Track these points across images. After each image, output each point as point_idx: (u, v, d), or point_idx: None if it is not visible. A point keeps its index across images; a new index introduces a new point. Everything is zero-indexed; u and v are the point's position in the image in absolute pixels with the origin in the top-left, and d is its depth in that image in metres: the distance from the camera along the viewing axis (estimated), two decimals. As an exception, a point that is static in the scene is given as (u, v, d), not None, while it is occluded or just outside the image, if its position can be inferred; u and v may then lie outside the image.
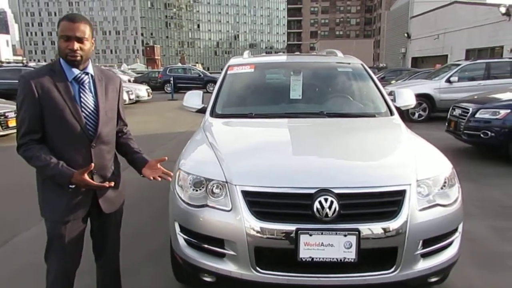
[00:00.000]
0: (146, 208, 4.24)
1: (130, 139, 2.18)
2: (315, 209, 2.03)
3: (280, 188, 2.13)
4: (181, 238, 2.35)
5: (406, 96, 3.56)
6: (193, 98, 3.72)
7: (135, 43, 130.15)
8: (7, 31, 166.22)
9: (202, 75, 25.40)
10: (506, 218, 4.06)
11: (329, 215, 2.03)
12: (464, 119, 6.39)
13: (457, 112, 6.73)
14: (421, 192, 2.20)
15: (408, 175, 2.20)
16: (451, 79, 10.80)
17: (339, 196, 2.05)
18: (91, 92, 1.88)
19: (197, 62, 78.53)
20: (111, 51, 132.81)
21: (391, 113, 3.32)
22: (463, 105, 6.68)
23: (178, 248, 2.37)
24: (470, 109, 6.33)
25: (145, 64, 52.84)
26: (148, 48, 51.53)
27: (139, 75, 30.85)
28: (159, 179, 2.05)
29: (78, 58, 1.79)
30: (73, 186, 1.80)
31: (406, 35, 35.21)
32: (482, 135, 6.06)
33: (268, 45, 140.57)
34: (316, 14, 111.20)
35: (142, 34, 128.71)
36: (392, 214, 2.09)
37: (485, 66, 11.05)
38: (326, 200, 2.03)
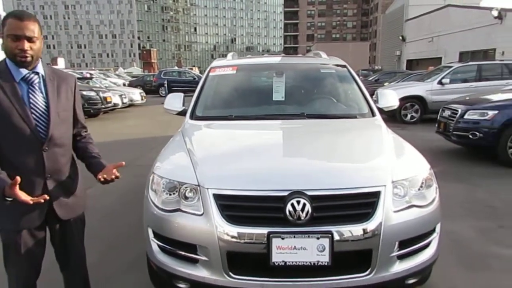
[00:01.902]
0: (129, 214, 4.20)
1: (90, 143, 2.10)
2: (287, 212, 2.00)
3: (252, 191, 2.09)
4: (154, 244, 2.31)
5: (389, 97, 3.54)
6: (174, 101, 3.68)
7: (131, 46, 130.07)
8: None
9: (197, 78, 25.39)
10: (492, 218, 4.04)
11: (301, 218, 1.99)
12: (454, 120, 6.39)
13: (447, 113, 6.73)
14: (398, 193, 2.17)
15: (383, 176, 2.17)
16: (443, 81, 10.82)
17: (312, 199, 2.02)
18: (41, 92, 1.80)
19: (194, 66, 78.59)
20: (108, 55, 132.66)
21: (373, 114, 3.29)
22: (452, 107, 6.68)
23: (152, 255, 2.33)
24: (459, 110, 6.33)
25: (141, 68, 52.74)
26: (144, 52, 51.45)
27: (134, 78, 30.81)
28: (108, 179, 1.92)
29: (29, 58, 1.72)
30: (11, 199, 1.63)
31: (401, 38, 35.32)
32: (470, 136, 6.06)
33: (265, 48, 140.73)
34: (313, 17, 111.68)
35: (138, 38, 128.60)
36: (366, 216, 2.06)
37: (477, 68, 11.08)
38: (298, 202, 2.00)
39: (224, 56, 4.28)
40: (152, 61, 46.58)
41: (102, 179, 1.88)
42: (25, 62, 1.73)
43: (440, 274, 2.75)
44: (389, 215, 2.07)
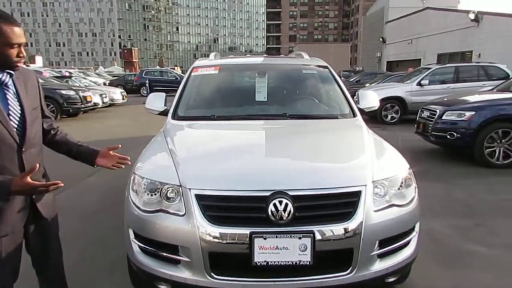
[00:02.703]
0: (110, 214, 4.14)
1: (67, 134, 2.07)
2: (269, 212, 2.00)
3: (234, 191, 2.09)
4: (135, 245, 2.28)
5: (370, 98, 3.59)
6: (155, 100, 3.64)
7: (112, 45, 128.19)
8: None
9: (179, 78, 25.20)
10: (469, 217, 4.14)
11: (284, 218, 2.00)
12: (432, 121, 6.52)
13: (426, 114, 6.87)
14: (378, 192, 2.20)
15: (363, 176, 2.20)
16: (422, 82, 11.04)
17: (294, 199, 2.03)
18: (15, 93, 1.74)
19: (176, 65, 77.85)
20: (88, 53, 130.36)
21: (354, 115, 3.33)
22: (431, 107, 6.82)
23: (133, 256, 2.29)
24: (438, 111, 6.46)
25: (122, 67, 51.99)
26: (125, 51, 50.66)
27: (115, 78, 30.36)
28: (119, 167, 2.01)
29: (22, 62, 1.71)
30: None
31: (381, 39, 35.89)
32: (448, 136, 6.19)
33: (248, 48, 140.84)
34: (295, 18, 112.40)
35: (119, 37, 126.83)
36: (348, 216, 2.08)
37: (454, 70, 11.35)
38: (280, 202, 2.00)
39: (207, 56, 4.26)
40: (134, 60, 45.96)
41: (110, 167, 1.95)
42: (18, 67, 1.70)
43: (419, 272, 2.79)
44: (369, 215, 2.10)
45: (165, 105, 3.61)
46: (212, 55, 4.22)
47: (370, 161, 2.35)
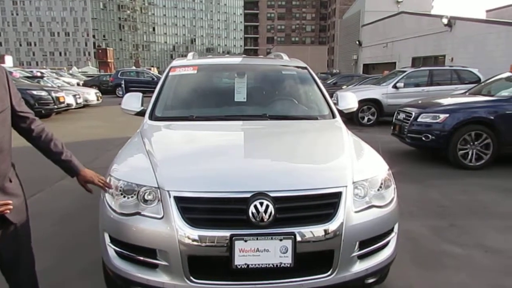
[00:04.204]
0: (83, 218, 4.00)
1: (50, 141, 1.90)
2: (250, 214, 1.97)
3: (214, 193, 2.05)
4: (111, 250, 2.20)
5: (349, 99, 3.60)
6: (131, 101, 3.54)
7: (86, 45, 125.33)
8: None
9: (155, 79, 24.87)
10: (444, 217, 4.23)
11: (264, 220, 1.97)
12: (408, 122, 6.64)
13: (402, 116, 6.99)
14: (358, 193, 2.20)
15: (344, 177, 2.19)
16: (397, 85, 11.27)
17: (275, 200, 2.00)
18: None
19: (152, 66, 76.77)
20: (60, 53, 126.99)
21: (333, 116, 3.34)
22: (407, 110, 6.94)
23: (108, 260, 2.22)
24: (413, 113, 6.59)
25: (97, 68, 50.90)
26: (100, 51, 49.60)
27: (89, 78, 29.70)
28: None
29: None
30: None
31: (357, 42, 36.47)
32: (423, 138, 6.32)
33: (226, 49, 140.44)
34: (273, 20, 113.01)
35: (93, 36, 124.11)
36: (328, 217, 2.07)
37: (429, 73, 11.65)
38: (261, 204, 1.97)
39: (184, 56, 4.19)
40: (108, 60, 45.06)
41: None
42: None
43: (396, 272, 2.81)
44: (350, 216, 2.10)
45: (141, 105, 3.53)
46: (190, 54, 4.16)
47: (350, 162, 2.35)
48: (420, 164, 6.76)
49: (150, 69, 34.90)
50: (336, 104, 3.57)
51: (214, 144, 2.83)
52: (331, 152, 2.66)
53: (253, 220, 1.97)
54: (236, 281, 2.03)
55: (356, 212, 2.14)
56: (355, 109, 3.65)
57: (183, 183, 2.12)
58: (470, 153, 6.14)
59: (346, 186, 2.14)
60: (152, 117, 3.24)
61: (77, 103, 14.72)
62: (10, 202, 1.60)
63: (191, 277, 2.01)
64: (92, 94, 17.30)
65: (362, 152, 2.66)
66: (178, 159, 2.46)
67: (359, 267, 2.17)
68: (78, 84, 23.70)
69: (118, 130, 10.52)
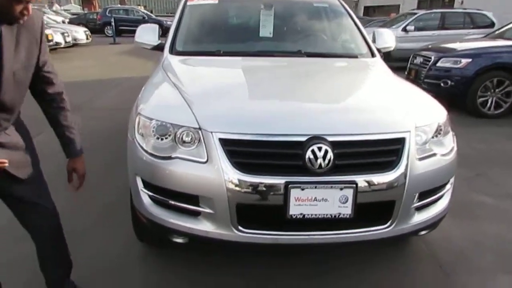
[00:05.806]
0: (88, 160, 3.76)
1: (60, 113, 1.71)
2: (307, 160, 1.75)
3: (266, 136, 1.80)
4: (145, 195, 1.99)
5: (387, 37, 3.28)
6: (147, 33, 3.16)
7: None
8: None
9: (146, 18, 23.66)
10: (469, 167, 4.07)
11: (322, 166, 1.75)
12: (425, 67, 6.32)
13: (418, 60, 6.64)
14: (418, 140, 1.97)
15: (407, 121, 1.96)
16: (407, 28, 10.71)
17: (333, 145, 1.77)
18: None
19: (139, 4, 72.84)
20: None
21: (373, 55, 3.03)
22: (424, 54, 6.58)
23: (142, 207, 2.01)
24: (432, 57, 6.24)
25: (80, 6, 48.13)
26: (83, -12, 46.65)
27: (75, 16, 28.12)
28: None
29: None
30: None
31: (358, -17, 34.79)
32: (442, 84, 6.03)
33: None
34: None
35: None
36: (391, 165, 1.86)
37: (440, 16, 11.06)
38: (320, 149, 1.74)
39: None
40: (92, -2, 42.50)
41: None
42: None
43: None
44: (413, 164, 1.89)
45: (158, 39, 3.16)
46: None
47: (410, 106, 2.11)
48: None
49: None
50: (373, 41, 3.24)
51: (255, 81, 2.53)
52: (386, 94, 2.37)
53: (310, 166, 1.75)
54: (289, 231, 1.86)
55: (419, 160, 1.93)
56: (392, 48, 3.33)
57: (228, 124, 1.86)
58: (489, 100, 5.90)
59: (409, 131, 1.91)
60: (173, 51, 2.91)
61: (66, 42, 14.00)
62: (6, 161, 1.41)
63: (239, 227, 1.82)
64: (81, 33, 16.40)
65: (417, 95, 2.40)
66: (216, 97, 2.17)
67: (417, 219, 2.02)
68: (63, 22, 22.39)
69: (112, 70, 10.04)
